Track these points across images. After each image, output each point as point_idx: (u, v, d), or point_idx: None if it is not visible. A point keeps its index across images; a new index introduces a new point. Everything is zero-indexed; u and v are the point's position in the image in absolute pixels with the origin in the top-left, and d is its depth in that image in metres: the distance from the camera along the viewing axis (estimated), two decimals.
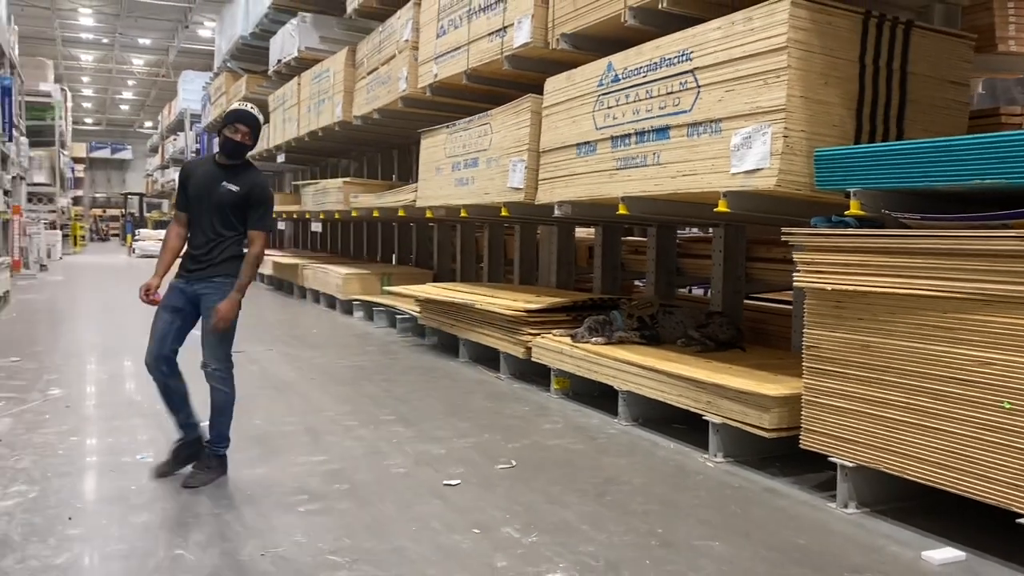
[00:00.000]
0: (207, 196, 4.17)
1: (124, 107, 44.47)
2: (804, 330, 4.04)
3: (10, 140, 15.75)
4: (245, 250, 4.25)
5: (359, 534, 3.45)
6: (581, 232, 9.38)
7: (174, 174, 31.99)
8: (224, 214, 4.16)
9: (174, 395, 4.15)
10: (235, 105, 4.45)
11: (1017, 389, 3.17)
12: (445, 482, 4.13)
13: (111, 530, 3.46)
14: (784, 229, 4.09)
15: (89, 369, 7.11)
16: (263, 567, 3.12)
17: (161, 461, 4.22)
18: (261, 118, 4.36)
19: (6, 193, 14.80)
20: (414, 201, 8.80)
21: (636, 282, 8.90)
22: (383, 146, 13.21)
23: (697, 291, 9.48)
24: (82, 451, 4.65)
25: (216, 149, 4.46)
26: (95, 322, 10.50)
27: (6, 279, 11.78)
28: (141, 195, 40.32)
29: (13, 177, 17.53)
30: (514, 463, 4.48)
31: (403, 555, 3.25)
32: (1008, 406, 3.19)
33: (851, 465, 3.80)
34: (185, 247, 4.31)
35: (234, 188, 4.16)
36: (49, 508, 3.71)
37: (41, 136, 23.26)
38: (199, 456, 4.16)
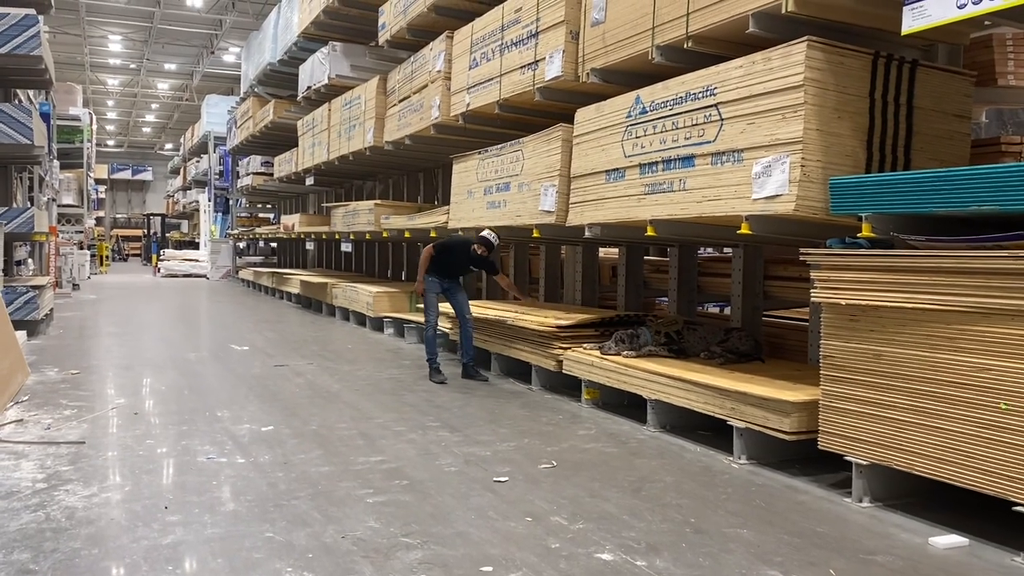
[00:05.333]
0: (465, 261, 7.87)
1: (146, 129, 45.42)
2: (821, 341, 4.46)
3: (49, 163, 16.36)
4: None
5: (425, 521, 3.87)
6: (604, 252, 9.82)
7: (197, 195, 32.72)
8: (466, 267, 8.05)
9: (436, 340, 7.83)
10: (485, 234, 7.70)
11: (1013, 392, 3.57)
12: (495, 479, 4.55)
13: (204, 517, 3.89)
14: (802, 249, 4.53)
15: (146, 381, 7.57)
16: (346, 547, 3.54)
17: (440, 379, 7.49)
18: (493, 239, 7.69)
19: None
20: (446, 223, 9.26)
21: (657, 299, 9.32)
22: (409, 169, 13.71)
23: (712, 308, 9.88)
24: (159, 452, 5.09)
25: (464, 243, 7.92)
26: (137, 338, 10.99)
27: (50, 298, 12.30)
28: (163, 216, 41.07)
29: (47, 199, 18.16)
30: (555, 463, 4.89)
31: (467, 538, 3.67)
32: (1005, 407, 3.60)
33: (864, 463, 4.20)
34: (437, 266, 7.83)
35: (474, 269, 8.31)
36: (144, 499, 4.16)
37: (69, 158, 23.92)
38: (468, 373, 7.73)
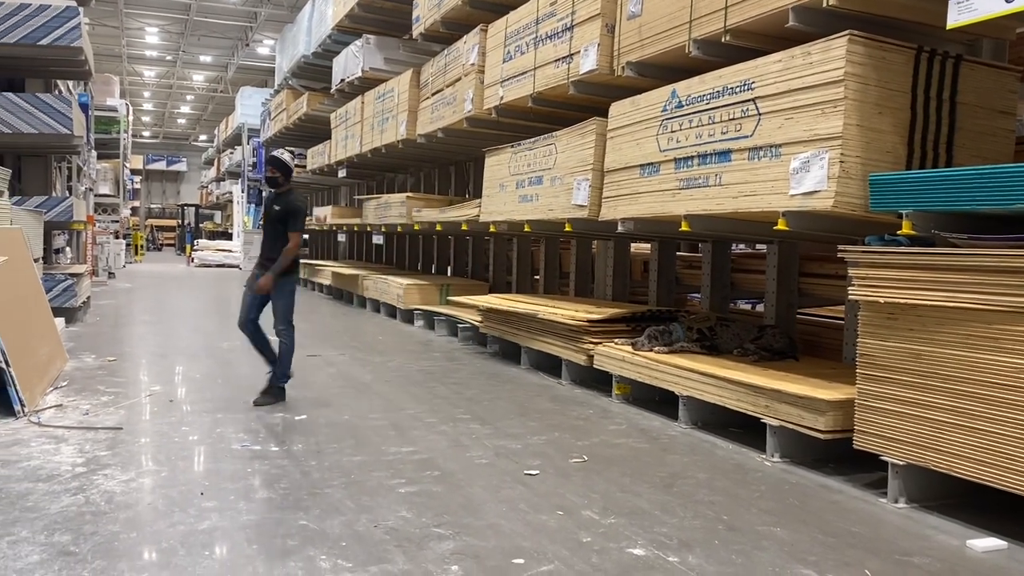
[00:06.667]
0: (267, 215, 6.37)
1: (181, 121, 45.96)
2: (858, 340, 4.40)
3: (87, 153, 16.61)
4: None
5: (456, 512, 3.89)
6: (635, 247, 9.77)
7: (230, 186, 33.05)
8: (274, 226, 6.26)
9: (262, 345, 6.28)
10: (276, 153, 6.47)
11: None
12: (525, 472, 4.56)
13: (240, 504, 3.94)
14: (840, 247, 4.48)
15: (180, 369, 7.67)
16: (379, 536, 3.57)
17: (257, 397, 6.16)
18: (286, 158, 6.40)
19: None
20: (478, 216, 9.27)
21: (689, 295, 9.26)
22: (441, 162, 13.74)
23: (744, 305, 9.79)
24: (194, 439, 5.16)
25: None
26: (172, 327, 11.14)
27: (87, 285, 12.50)
28: (196, 206, 41.52)
29: (85, 189, 18.45)
30: (585, 458, 4.89)
31: (498, 530, 3.68)
32: None
33: (901, 463, 4.15)
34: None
35: (277, 208, 6.24)
36: (181, 484, 4.22)
37: (106, 148, 24.27)
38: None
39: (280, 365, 6.21)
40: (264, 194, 6.67)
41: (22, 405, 5.53)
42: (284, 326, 6.20)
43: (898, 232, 4.18)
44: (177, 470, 4.49)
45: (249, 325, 6.20)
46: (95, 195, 23.24)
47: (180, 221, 41.58)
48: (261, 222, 6.45)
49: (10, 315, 6.04)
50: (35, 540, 3.42)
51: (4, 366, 5.51)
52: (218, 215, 42.47)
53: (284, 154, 6.39)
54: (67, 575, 3.11)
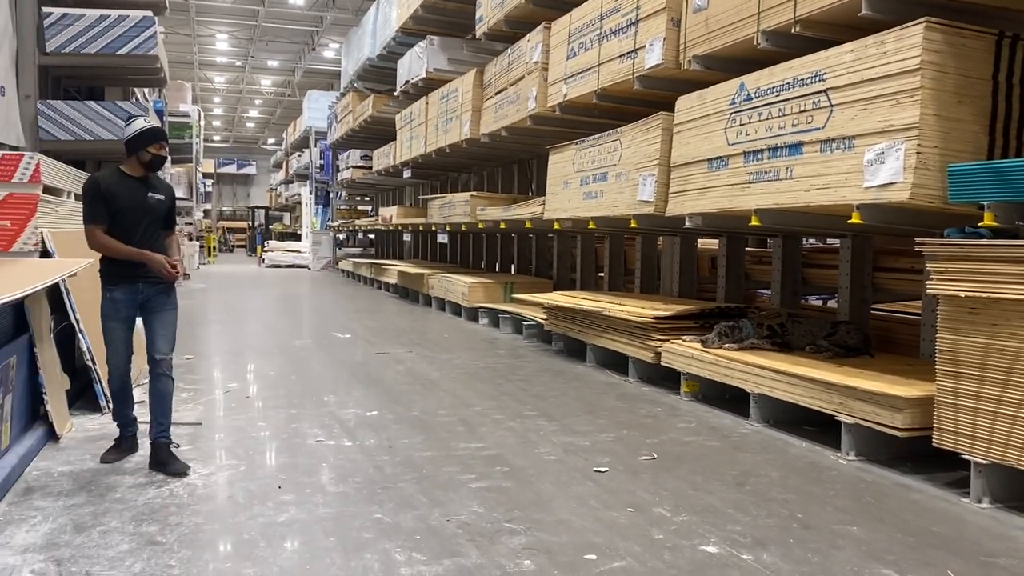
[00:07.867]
0: (139, 208, 4.51)
1: (250, 125, 47.07)
2: (937, 336, 4.28)
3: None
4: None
5: (527, 507, 3.92)
6: (701, 243, 9.66)
7: (298, 188, 33.72)
8: (157, 223, 4.67)
9: (129, 394, 4.77)
10: (138, 125, 4.50)
11: None
12: (595, 469, 4.55)
13: (316, 498, 4.03)
14: (918, 240, 4.36)
15: (255, 366, 7.88)
16: (451, 530, 3.62)
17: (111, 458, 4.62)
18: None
19: None
20: (541, 214, 9.29)
21: (759, 291, 9.12)
22: (504, 161, 13.79)
23: (814, 301, 9.58)
24: (270, 434, 5.30)
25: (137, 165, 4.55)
26: (245, 325, 11.45)
27: None
28: (266, 208, 42.50)
29: None
30: (655, 455, 4.86)
31: (569, 526, 3.69)
32: None
33: (984, 462, 4.02)
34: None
35: (160, 197, 4.63)
36: (259, 478, 4.34)
37: (179, 153, 25.00)
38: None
39: (167, 412, 4.59)
40: (125, 178, 4.53)
41: (107, 401, 5.75)
42: (170, 355, 4.73)
43: (979, 224, 4.06)
44: (255, 464, 4.62)
45: (128, 366, 4.74)
46: None
47: (251, 223, 42.62)
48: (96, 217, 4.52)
49: (95, 315, 6.27)
50: (124, 530, 3.56)
51: (90, 364, 5.74)
52: (287, 216, 43.42)
53: (142, 120, 4.61)
54: (155, 563, 3.23)
